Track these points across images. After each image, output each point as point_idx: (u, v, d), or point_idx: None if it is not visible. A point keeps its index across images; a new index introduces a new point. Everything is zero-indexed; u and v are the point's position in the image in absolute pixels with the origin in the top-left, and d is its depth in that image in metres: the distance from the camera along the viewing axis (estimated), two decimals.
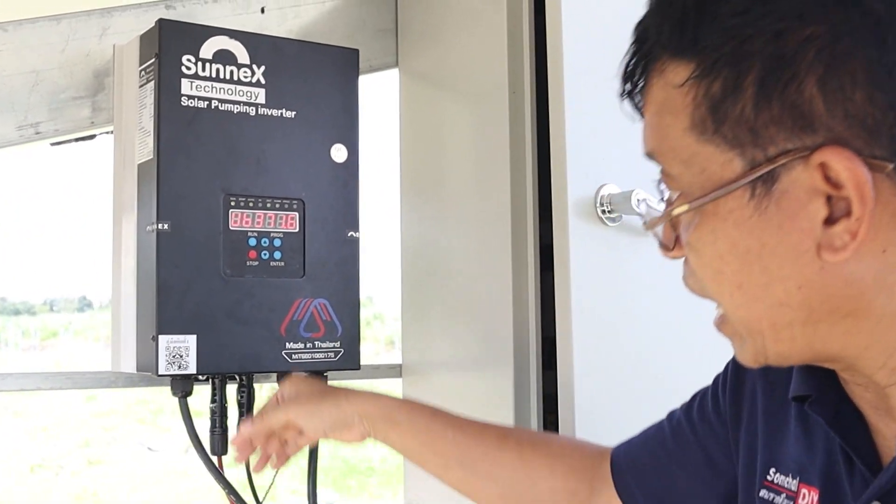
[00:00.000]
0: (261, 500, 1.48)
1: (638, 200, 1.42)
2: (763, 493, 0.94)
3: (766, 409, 0.98)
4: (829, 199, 0.73)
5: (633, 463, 1.14)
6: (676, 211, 0.80)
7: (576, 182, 1.43)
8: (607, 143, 1.48)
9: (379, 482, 8.93)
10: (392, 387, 1.85)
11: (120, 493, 9.08)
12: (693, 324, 1.51)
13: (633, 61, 0.83)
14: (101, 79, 1.48)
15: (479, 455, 1.24)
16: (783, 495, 0.91)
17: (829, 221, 0.73)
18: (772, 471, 0.94)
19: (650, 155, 0.84)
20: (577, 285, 1.41)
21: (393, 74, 1.75)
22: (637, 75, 0.83)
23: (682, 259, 0.85)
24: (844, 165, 0.71)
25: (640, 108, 0.85)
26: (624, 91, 0.85)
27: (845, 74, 0.71)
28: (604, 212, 1.45)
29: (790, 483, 0.91)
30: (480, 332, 1.58)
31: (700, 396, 1.10)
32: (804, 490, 0.89)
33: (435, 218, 1.68)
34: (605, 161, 1.47)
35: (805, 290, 0.76)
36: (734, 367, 1.04)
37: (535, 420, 1.53)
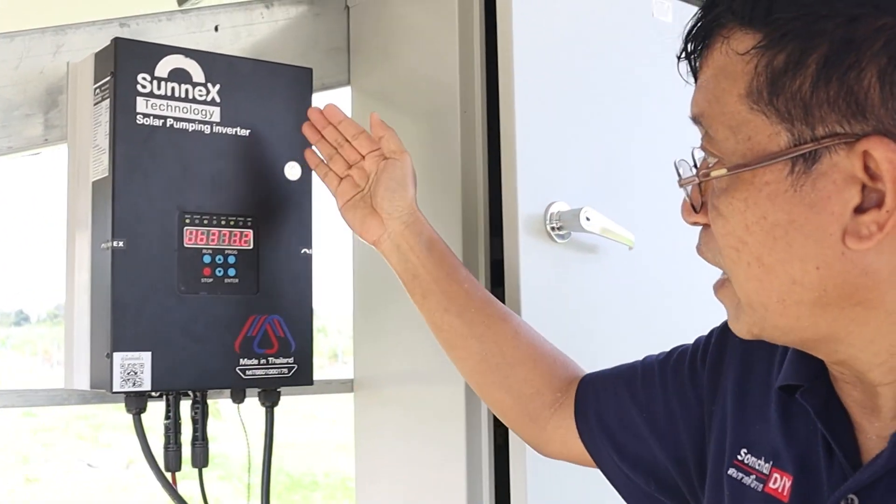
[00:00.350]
0: None
1: (586, 218, 1.46)
2: (732, 471, 0.97)
3: (738, 390, 1.01)
4: (864, 188, 0.76)
5: (597, 390, 1.20)
6: (715, 173, 0.83)
7: (526, 199, 1.46)
8: (557, 161, 1.51)
9: (323, 496, 8.90)
10: (344, 402, 1.87)
11: None
12: (638, 337, 1.56)
13: (699, 24, 0.85)
14: (54, 96, 1.48)
15: (482, 315, 1.32)
16: (752, 476, 0.94)
17: (860, 210, 0.76)
18: (743, 451, 0.97)
19: (696, 117, 0.86)
20: (527, 300, 1.45)
21: (345, 92, 1.76)
22: (700, 38, 0.85)
23: (699, 230, 0.89)
24: (887, 157, 0.74)
25: (695, 71, 0.87)
26: (684, 52, 0.87)
27: None
28: (553, 228, 1.48)
29: (762, 466, 0.94)
30: (432, 346, 1.59)
31: (678, 353, 1.13)
32: (776, 475, 0.92)
33: None
34: (554, 179, 1.50)
35: (822, 272, 0.79)
36: (718, 341, 1.07)
37: (485, 433, 1.55)
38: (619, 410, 1.17)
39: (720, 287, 0.89)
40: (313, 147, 1.46)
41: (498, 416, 1.35)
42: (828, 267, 0.78)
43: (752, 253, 0.82)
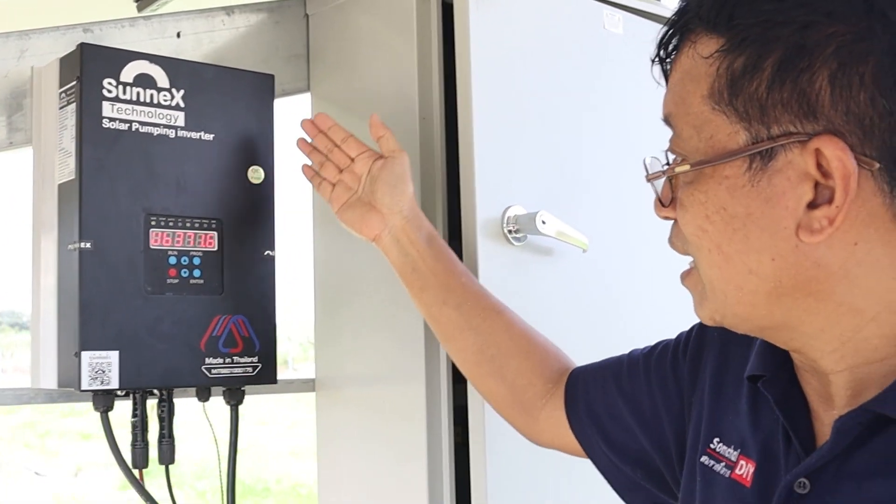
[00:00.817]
0: None
1: (542, 221, 1.50)
2: (704, 458, 1.02)
3: (714, 382, 1.05)
4: (816, 185, 0.80)
5: (586, 383, 1.25)
6: (679, 169, 0.87)
7: (484, 203, 1.50)
8: (514, 166, 1.56)
9: (275, 502, 8.87)
10: (296, 408, 1.89)
11: None
12: (591, 334, 1.61)
13: (670, 30, 0.90)
14: (18, 99, 1.50)
15: (477, 307, 1.36)
16: (722, 464, 0.99)
17: (812, 205, 0.81)
18: (716, 440, 1.01)
19: (666, 118, 0.91)
20: None
21: (305, 98, 1.79)
22: (671, 43, 0.90)
23: (671, 224, 0.93)
24: (836, 156, 0.78)
25: (666, 74, 0.92)
26: (657, 56, 0.92)
27: (855, 75, 0.78)
28: (510, 231, 1.52)
29: (731, 454, 0.99)
30: (392, 347, 1.63)
31: (662, 347, 1.18)
32: (742, 461, 0.97)
33: (347, 238, 1.72)
34: (511, 184, 1.54)
35: (777, 263, 0.83)
36: (698, 336, 1.12)
37: (445, 431, 1.58)
38: (607, 402, 1.21)
39: (687, 275, 0.94)
40: (307, 160, 1.53)
41: (492, 406, 1.39)
42: (782, 259, 0.83)
43: (713, 240, 0.86)
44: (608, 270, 1.68)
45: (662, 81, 0.93)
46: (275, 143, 1.57)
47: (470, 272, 1.43)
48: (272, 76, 1.57)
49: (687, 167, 0.86)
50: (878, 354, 0.85)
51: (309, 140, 1.53)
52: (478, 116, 1.51)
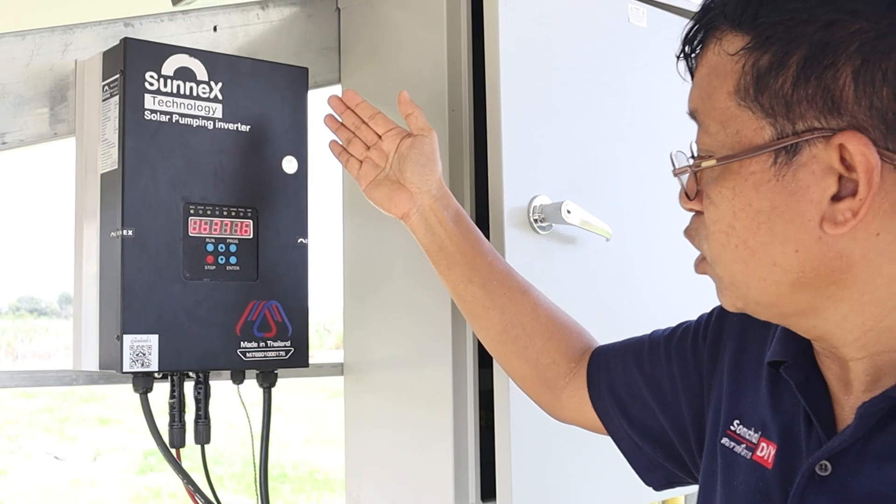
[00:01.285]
0: (216, 491, 1.55)
1: (567, 210, 1.54)
2: (725, 440, 1.05)
3: (734, 365, 1.09)
4: (840, 178, 0.83)
5: (609, 362, 1.28)
6: (705, 164, 0.90)
7: (511, 193, 1.53)
8: (540, 157, 1.59)
9: (292, 489, 8.93)
10: (335, 384, 1.93)
11: None
12: (614, 319, 1.64)
13: (695, 27, 0.93)
14: (63, 92, 1.55)
15: (503, 287, 1.38)
16: (743, 445, 1.02)
17: (836, 198, 0.84)
18: (735, 422, 1.04)
19: (692, 112, 0.94)
20: None
21: (336, 90, 1.83)
22: (696, 40, 0.93)
23: (691, 216, 0.97)
24: (860, 150, 0.81)
25: (691, 70, 0.95)
26: (682, 52, 0.95)
27: (878, 71, 0.81)
28: (536, 221, 1.56)
29: (751, 436, 1.02)
30: (420, 332, 1.67)
31: (682, 329, 1.21)
32: (763, 444, 1.00)
33: (376, 225, 1.77)
34: (537, 174, 1.58)
35: (801, 255, 0.86)
36: (718, 319, 1.15)
37: (471, 415, 1.62)
38: (628, 382, 1.24)
39: (700, 263, 0.97)
40: (335, 138, 1.53)
41: (516, 384, 1.41)
42: (806, 250, 0.86)
43: (739, 237, 0.89)
44: (630, 258, 1.71)
45: (688, 76, 0.95)
46: (308, 135, 1.61)
47: (497, 252, 1.45)
48: (306, 69, 1.61)
49: (713, 162, 0.89)
50: None
51: (337, 118, 1.53)
52: (506, 108, 1.54)
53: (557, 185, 1.59)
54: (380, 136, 1.46)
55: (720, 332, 1.14)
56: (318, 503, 8.65)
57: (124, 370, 1.40)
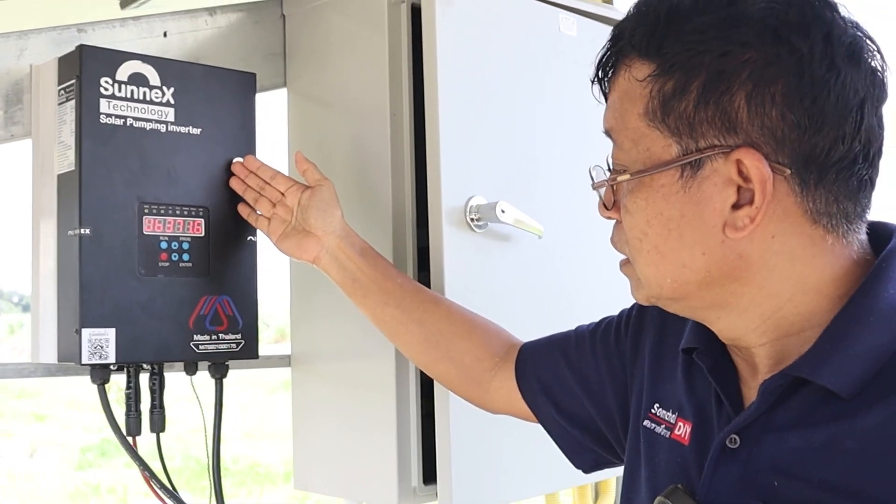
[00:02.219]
0: (171, 477, 1.62)
1: (502, 210, 1.62)
2: (647, 422, 1.15)
3: (654, 355, 1.19)
4: (738, 189, 0.94)
5: (536, 356, 1.38)
6: (621, 178, 1.01)
7: (448, 194, 1.60)
8: (476, 160, 1.66)
9: (233, 482, 8.92)
10: (276, 379, 2.00)
11: None
12: (547, 314, 1.74)
13: (607, 54, 1.03)
14: (18, 95, 1.60)
15: (416, 302, 1.49)
16: (663, 426, 1.12)
17: (736, 206, 0.94)
18: (656, 405, 1.15)
19: (608, 131, 1.04)
20: (450, 283, 1.59)
21: (282, 94, 1.91)
22: (608, 66, 1.03)
23: (612, 224, 1.06)
24: (754, 164, 0.92)
25: (605, 93, 1.04)
26: (596, 77, 1.04)
27: (767, 94, 0.92)
28: (472, 220, 1.63)
29: (670, 416, 1.12)
30: (364, 325, 1.71)
31: (606, 323, 1.32)
32: (680, 423, 1.10)
33: None
34: (473, 176, 1.65)
35: (707, 257, 0.97)
36: (639, 314, 1.26)
37: (413, 404, 1.69)
38: (556, 373, 1.34)
39: (623, 265, 1.08)
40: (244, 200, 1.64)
41: (446, 387, 1.52)
42: (711, 252, 0.97)
43: (652, 242, 1.00)
44: (561, 255, 1.79)
45: (602, 99, 1.05)
46: (256, 137, 1.68)
47: (404, 274, 1.57)
48: (254, 75, 1.69)
49: (628, 176, 0.99)
50: (794, 329, 0.99)
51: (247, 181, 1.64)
52: (443, 113, 1.60)
53: (492, 185, 1.66)
54: (283, 193, 1.59)
55: (640, 325, 1.24)
56: (259, 496, 8.67)
57: (83, 362, 1.47)
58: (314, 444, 1.85)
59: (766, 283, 0.97)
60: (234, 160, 1.63)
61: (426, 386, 1.69)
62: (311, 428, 1.86)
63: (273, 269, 1.90)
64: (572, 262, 1.82)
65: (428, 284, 1.62)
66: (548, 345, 1.39)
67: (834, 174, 0.94)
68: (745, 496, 0.97)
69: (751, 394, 1.03)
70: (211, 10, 1.82)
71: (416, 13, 1.71)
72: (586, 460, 1.37)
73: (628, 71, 1.00)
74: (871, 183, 0.97)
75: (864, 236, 1.00)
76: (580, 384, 1.31)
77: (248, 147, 1.66)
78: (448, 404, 1.58)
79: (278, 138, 1.90)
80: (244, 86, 1.68)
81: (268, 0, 1.89)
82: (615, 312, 1.33)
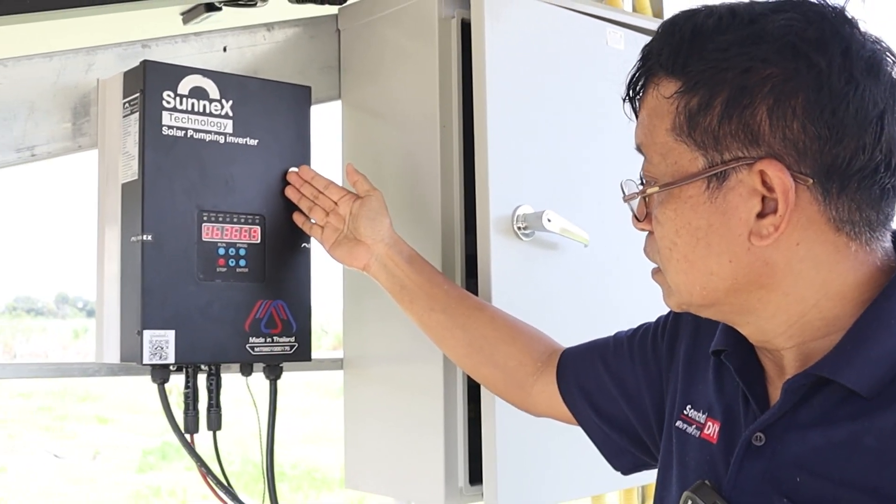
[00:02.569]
0: (227, 475, 1.69)
1: (548, 219, 1.66)
2: (679, 423, 1.19)
3: (687, 359, 1.23)
4: (763, 198, 0.98)
5: (576, 361, 1.42)
6: (650, 190, 1.05)
7: (496, 203, 1.65)
8: (523, 169, 1.71)
9: (290, 487, 9.03)
10: (334, 385, 2.05)
11: (26, 501, 8.98)
12: (591, 320, 1.77)
13: (637, 74, 1.08)
14: (86, 108, 1.68)
15: (461, 307, 1.55)
16: (693, 426, 1.16)
17: (761, 215, 0.98)
18: (688, 407, 1.19)
19: (638, 147, 1.09)
20: (496, 290, 1.64)
21: (336, 106, 1.97)
22: (638, 85, 1.08)
23: (645, 235, 1.11)
24: (777, 175, 0.96)
25: (636, 110, 1.10)
26: (627, 95, 1.10)
27: (788, 108, 0.96)
28: (519, 228, 1.68)
29: (700, 417, 1.16)
30: (413, 330, 1.75)
31: (643, 329, 1.36)
32: (709, 423, 1.14)
33: None
34: (520, 185, 1.70)
35: (734, 264, 1.01)
36: (674, 320, 1.30)
37: (460, 408, 1.73)
38: (596, 377, 1.38)
39: (655, 273, 1.12)
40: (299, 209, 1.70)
41: (490, 390, 1.57)
42: (738, 260, 1.01)
43: (681, 251, 1.04)
44: (606, 263, 1.83)
45: (633, 116, 1.10)
46: (311, 147, 1.75)
47: (451, 281, 1.61)
48: (309, 88, 1.75)
49: (657, 188, 1.04)
50: (820, 333, 1.02)
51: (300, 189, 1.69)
52: (492, 124, 1.66)
53: (539, 195, 1.71)
54: (335, 203, 1.64)
55: (676, 330, 1.28)
56: (315, 502, 8.77)
57: (144, 362, 1.54)
58: (365, 444, 1.90)
59: (792, 289, 1.01)
60: (290, 170, 1.69)
61: (473, 389, 1.74)
62: (361, 429, 1.91)
63: (332, 277, 1.97)
64: (617, 270, 1.85)
65: (475, 291, 1.67)
66: (587, 350, 1.43)
67: (856, 183, 0.97)
68: (768, 491, 1.01)
69: (777, 394, 1.07)
70: (269, 26, 1.89)
71: (465, 28, 1.75)
72: (625, 462, 1.40)
73: (656, 89, 1.04)
74: (895, 191, 1.00)
75: (888, 244, 1.03)
76: (618, 388, 1.35)
77: (304, 157, 1.72)
78: (493, 407, 1.63)
79: (333, 149, 1.97)
80: (300, 98, 1.74)
81: (324, 15, 1.95)
82: (649, 322, 1.37)
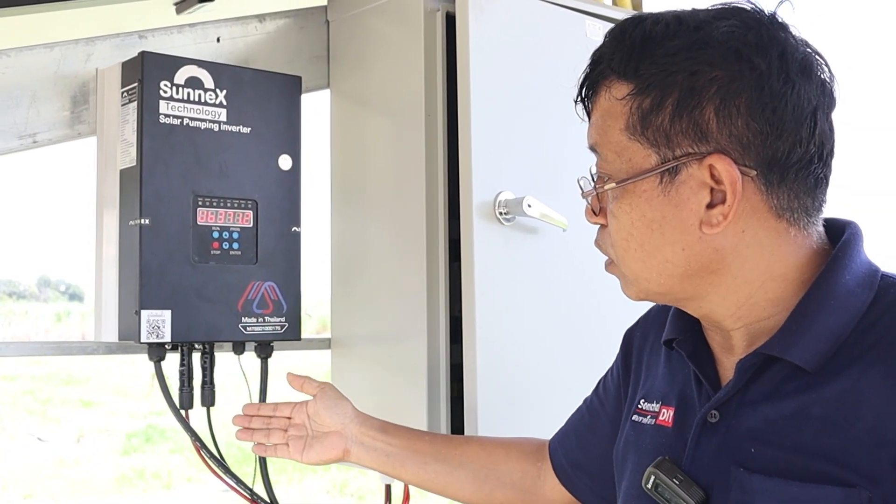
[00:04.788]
0: (220, 451, 1.76)
1: (528, 205, 1.72)
2: (634, 417, 1.26)
3: (642, 366, 1.30)
4: (712, 190, 1.05)
5: (563, 444, 1.46)
6: (607, 186, 1.12)
7: (479, 189, 1.72)
8: (505, 157, 1.77)
9: (274, 469, 9.03)
10: (320, 369, 2.11)
11: (11, 484, 9.00)
12: (570, 301, 1.84)
13: (588, 77, 1.14)
14: (85, 97, 1.75)
15: (451, 450, 1.54)
16: (648, 416, 1.23)
17: (710, 206, 1.06)
18: (642, 401, 1.26)
19: (592, 146, 1.15)
20: (479, 273, 1.71)
21: (325, 95, 2.03)
22: (590, 87, 1.14)
23: (597, 228, 1.18)
24: (725, 168, 1.04)
25: (588, 111, 1.16)
26: (579, 97, 1.16)
27: (733, 106, 1.04)
28: (501, 213, 1.74)
29: (654, 407, 1.23)
30: (398, 310, 1.85)
31: (602, 380, 1.43)
32: (664, 409, 1.21)
33: (360, 216, 1.96)
34: (502, 172, 1.76)
35: (686, 252, 1.08)
36: (623, 348, 1.37)
37: (443, 386, 1.80)
38: (582, 445, 1.42)
39: (609, 265, 1.19)
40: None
41: None
42: (690, 248, 1.08)
43: (637, 241, 1.11)
44: (583, 247, 1.81)
45: (584, 117, 1.16)
46: (301, 135, 1.82)
47: (427, 431, 1.60)
48: (300, 78, 1.82)
49: (613, 185, 1.11)
50: (766, 313, 1.10)
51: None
52: (475, 113, 1.72)
53: (520, 181, 1.77)
54: (289, 417, 1.59)
55: (628, 353, 1.36)
56: (299, 483, 8.82)
57: (141, 341, 1.61)
58: None
59: (740, 272, 1.09)
60: (234, 417, 1.61)
61: (455, 369, 1.80)
62: None
63: (318, 263, 2.03)
64: (594, 253, 1.86)
65: (459, 273, 1.73)
66: (568, 427, 1.47)
67: (794, 174, 1.06)
68: (724, 463, 1.09)
69: (727, 374, 1.15)
70: (260, 17, 1.95)
71: (450, 20, 1.82)
72: None
73: (608, 91, 1.11)
74: (826, 180, 1.09)
75: (821, 228, 1.12)
76: (604, 437, 1.38)
77: (294, 145, 1.79)
78: (476, 387, 1.70)
79: (322, 136, 2.03)
80: (290, 88, 1.81)
81: (313, 7, 2.02)
82: (606, 373, 1.43)
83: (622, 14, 2.07)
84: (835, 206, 1.14)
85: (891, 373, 1.00)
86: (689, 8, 1.10)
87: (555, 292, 1.84)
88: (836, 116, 1.09)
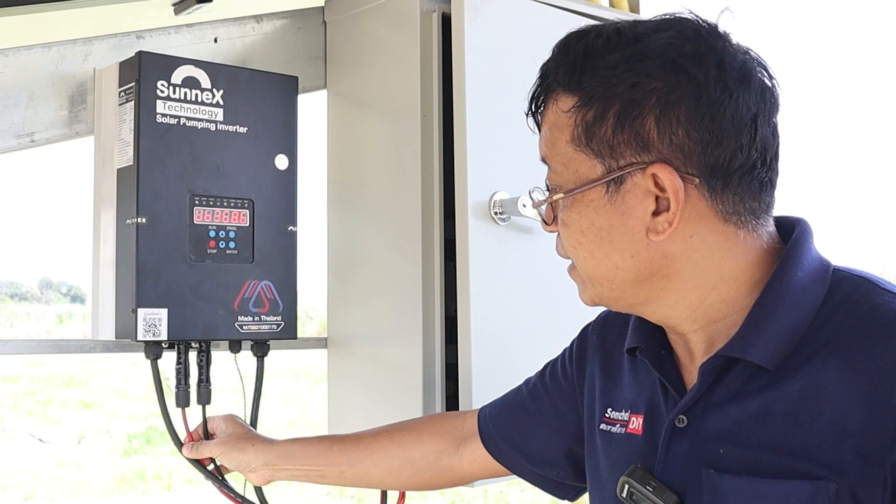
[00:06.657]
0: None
1: (523, 205, 1.74)
2: (602, 426, 1.28)
3: (602, 370, 1.32)
4: (657, 198, 1.07)
5: (497, 419, 1.48)
6: (556, 197, 1.14)
7: (474, 189, 1.73)
8: (500, 157, 1.78)
9: None
10: (319, 371, 2.11)
11: (12, 485, 9.01)
12: (563, 300, 1.84)
13: (537, 91, 1.16)
14: (83, 96, 1.76)
15: (360, 452, 1.57)
16: (617, 425, 1.25)
17: (655, 213, 1.08)
18: (609, 410, 1.28)
19: (543, 158, 1.17)
20: (474, 273, 1.72)
21: (322, 95, 2.04)
22: (539, 100, 1.16)
23: (555, 235, 1.19)
24: (667, 176, 1.06)
25: (538, 124, 1.18)
26: (529, 110, 1.18)
27: (673, 116, 1.06)
28: (496, 213, 1.76)
29: (623, 416, 1.25)
30: (394, 310, 1.86)
31: (551, 365, 1.45)
32: (633, 418, 1.23)
33: (357, 216, 1.97)
34: (497, 172, 1.77)
35: (635, 259, 1.10)
36: (579, 345, 1.39)
37: (438, 385, 1.81)
38: (520, 427, 1.44)
39: (571, 270, 1.20)
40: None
41: (434, 490, 1.62)
42: (638, 255, 1.10)
43: (587, 249, 1.13)
44: None
45: (536, 130, 1.18)
46: (297, 135, 1.82)
47: (333, 436, 1.63)
48: (296, 78, 1.83)
49: (562, 195, 1.13)
50: (721, 314, 1.12)
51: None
52: (470, 114, 1.73)
53: (515, 181, 1.78)
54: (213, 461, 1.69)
55: (583, 351, 1.38)
56: (299, 483, 8.84)
57: (138, 339, 1.62)
58: (347, 419, 1.98)
59: (690, 276, 1.11)
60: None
61: (451, 368, 1.82)
62: (345, 405, 1.99)
63: (318, 264, 2.04)
64: None
65: (454, 273, 1.75)
66: (505, 405, 1.49)
67: (737, 179, 1.07)
68: (695, 465, 1.11)
69: (691, 378, 1.17)
70: (258, 18, 1.96)
71: (446, 21, 1.83)
72: (567, 493, 1.47)
73: (555, 104, 1.13)
74: (772, 183, 1.11)
75: (772, 228, 1.14)
76: (542, 424, 1.42)
77: (290, 144, 1.80)
78: (470, 386, 1.71)
79: (319, 136, 2.04)
80: (287, 88, 1.82)
81: (310, 8, 2.03)
82: (554, 359, 1.45)
83: (618, 15, 2.08)
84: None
85: (847, 365, 1.03)
86: (640, 18, 1.12)
87: (550, 292, 1.85)
88: (781, 120, 1.11)
